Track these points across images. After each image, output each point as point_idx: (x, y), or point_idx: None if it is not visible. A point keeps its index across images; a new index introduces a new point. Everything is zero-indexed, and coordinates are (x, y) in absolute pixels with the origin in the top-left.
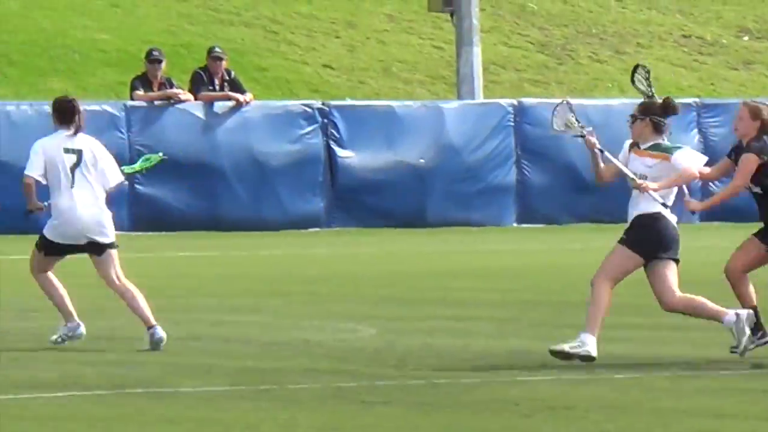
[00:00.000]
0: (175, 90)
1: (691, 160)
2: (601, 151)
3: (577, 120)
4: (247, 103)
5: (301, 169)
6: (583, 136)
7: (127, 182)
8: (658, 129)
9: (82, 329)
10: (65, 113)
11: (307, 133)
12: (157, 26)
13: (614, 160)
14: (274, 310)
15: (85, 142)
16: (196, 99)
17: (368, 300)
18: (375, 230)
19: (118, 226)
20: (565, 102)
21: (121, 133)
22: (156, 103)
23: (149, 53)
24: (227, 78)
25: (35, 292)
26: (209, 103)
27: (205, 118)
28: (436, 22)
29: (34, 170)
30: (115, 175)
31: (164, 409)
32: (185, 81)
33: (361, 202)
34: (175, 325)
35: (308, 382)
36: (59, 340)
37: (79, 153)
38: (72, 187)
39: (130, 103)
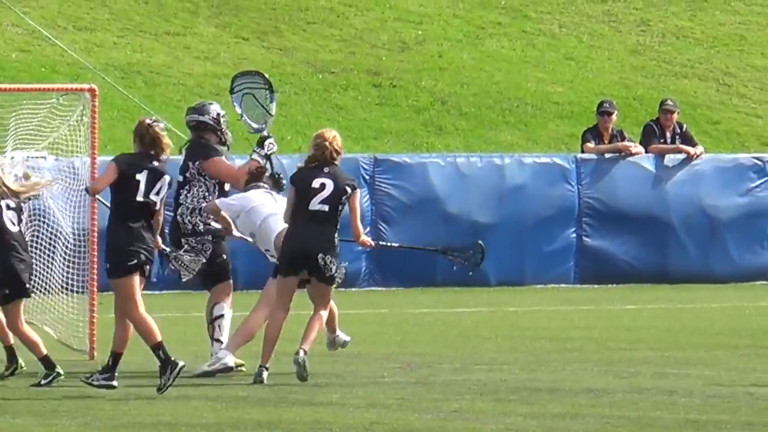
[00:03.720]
0: (626, 143)
1: None
2: None
3: None
4: (698, 156)
5: (751, 222)
6: None
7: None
8: None
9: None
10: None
11: (756, 187)
12: (610, 78)
13: None
14: (719, 363)
15: None
16: (647, 152)
17: None
18: None
19: (564, 279)
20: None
21: (571, 185)
22: (606, 155)
23: (600, 105)
24: (678, 131)
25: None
26: (660, 156)
27: (655, 171)
28: None
29: None
30: None
31: None
32: (637, 134)
33: None
34: (617, 378)
35: None
36: None
37: None
38: None
39: (580, 155)
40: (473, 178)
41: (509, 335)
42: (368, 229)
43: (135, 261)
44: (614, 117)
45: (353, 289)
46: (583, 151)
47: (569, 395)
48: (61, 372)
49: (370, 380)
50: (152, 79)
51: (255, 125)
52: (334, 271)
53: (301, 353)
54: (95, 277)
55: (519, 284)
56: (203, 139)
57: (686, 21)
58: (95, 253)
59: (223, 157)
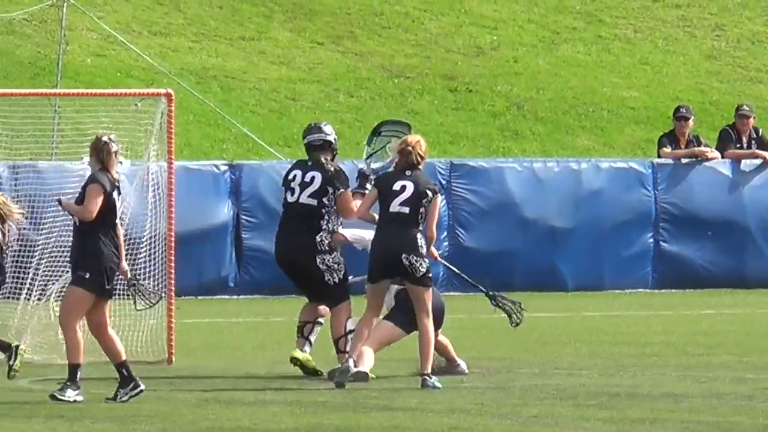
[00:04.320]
0: (702, 148)
1: None
2: None
3: None
4: None
5: None
6: None
7: None
8: None
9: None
10: None
11: None
12: (685, 83)
13: None
14: None
15: None
16: (723, 157)
17: None
18: None
19: (642, 284)
20: None
21: (648, 190)
22: (683, 160)
23: (677, 110)
24: (755, 136)
25: None
26: (736, 161)
27: (732, 176)
28: None
29: None
30: None
31: None
32: (713, 138)
33: None
34: (696, 383)
35: None
36: None
37: None
38: None
39: (657, 160)
40: (550, 183)
41: (587, 340)
42: (445, 234)
43: (108, 290)
44: (691, 122)
45: None
46: (659, 156)
47: (648, 400)
48: (19, 344)
49: (449, 385)
50: (227, 83)
51: (379, 164)
52: (423, 271)
53: (427, 380)
54: (172, 282)
55: (597, 289)
56: (325, 158)
57: (761, 26)
58: (172, 259)
59: (349, 192)
